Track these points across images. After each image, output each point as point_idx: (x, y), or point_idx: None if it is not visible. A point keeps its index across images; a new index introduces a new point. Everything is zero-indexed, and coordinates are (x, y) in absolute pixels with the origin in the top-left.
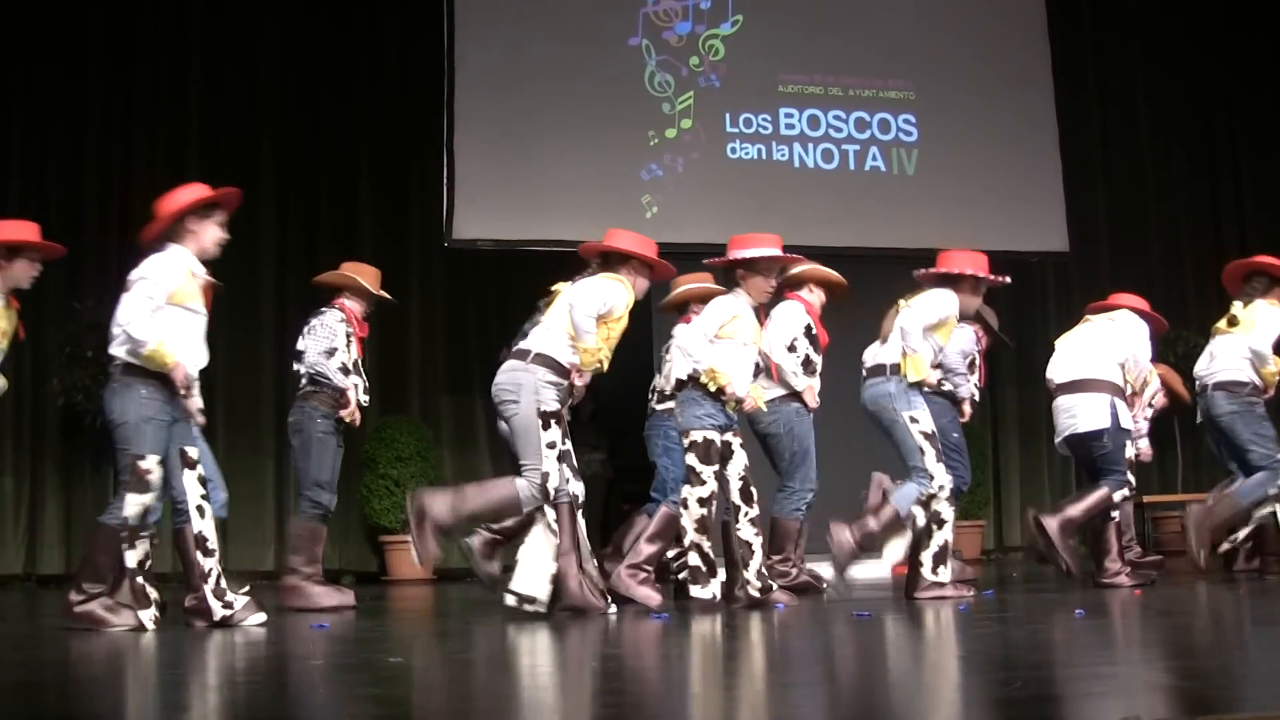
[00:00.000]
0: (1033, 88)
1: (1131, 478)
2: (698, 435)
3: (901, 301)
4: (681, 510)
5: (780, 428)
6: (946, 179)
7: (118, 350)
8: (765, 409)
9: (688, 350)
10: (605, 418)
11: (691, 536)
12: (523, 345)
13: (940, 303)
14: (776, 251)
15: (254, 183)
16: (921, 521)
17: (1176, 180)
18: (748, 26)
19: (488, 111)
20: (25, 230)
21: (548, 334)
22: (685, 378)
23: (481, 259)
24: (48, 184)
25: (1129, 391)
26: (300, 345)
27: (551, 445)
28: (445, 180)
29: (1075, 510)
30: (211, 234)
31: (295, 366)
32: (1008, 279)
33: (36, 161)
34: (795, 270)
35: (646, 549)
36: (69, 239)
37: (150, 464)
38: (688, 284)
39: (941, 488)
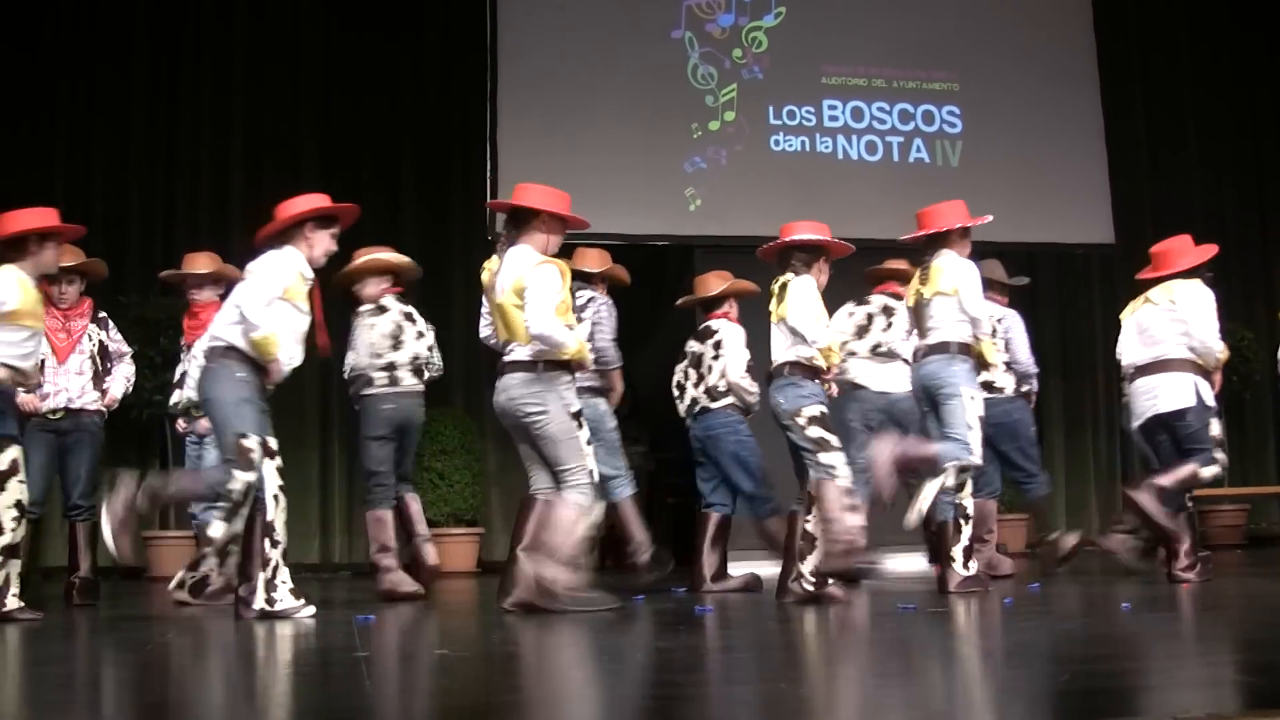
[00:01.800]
0: (1077, 78)
1: (1223, 455)
2: (813, 410)
3: (922, 290)
4: (831, 479)
5: None
6: (991, 171)
7: (227, 331)
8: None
9: (803, 332)
10: (644, 411)
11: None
12: (521, 356)
13: (969, 273)
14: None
15: (296, 178)
16: (950, 516)
17: (1222, 170)
18: (790, 18)
19: (531, 105)
20: (46, 217)
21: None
22: (785, 362)
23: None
24: (93, 180)
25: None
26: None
27: (588, 442)
28: (489, 174)
29: (1166, 480)
30: (324, 244)
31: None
32: (989, 217)
33: (82, 159)
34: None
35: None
36: (114, 235)
37: (253, 443)
38: (721, 280)
39: (976, 470)
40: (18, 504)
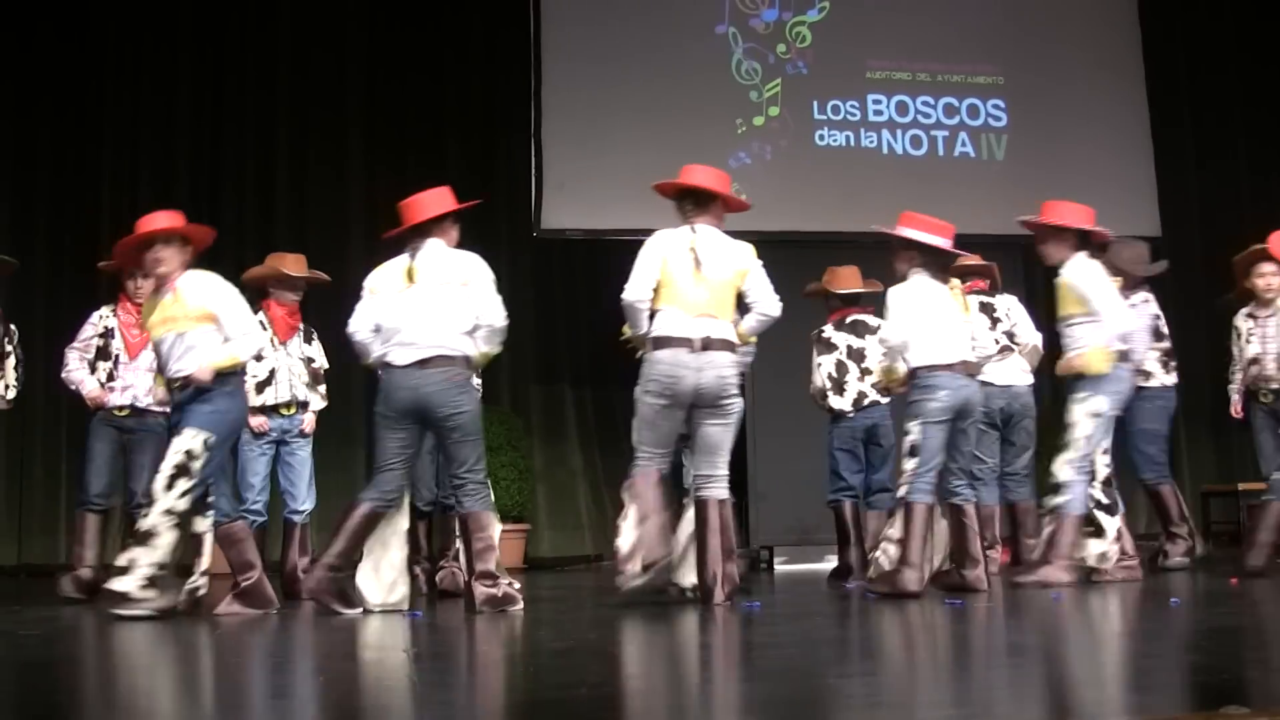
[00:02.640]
0: (1123, 70)
1: None
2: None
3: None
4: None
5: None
6: (1036, 164)
7: (460, 342)
8: None
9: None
10: None
11: None
12: (733, 336)
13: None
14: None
15: (340, 176)
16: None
17: (1270, 161)
18: (834, 13)
19: (575, 101)
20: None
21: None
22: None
23: (570, 248)
24: (139, 175)
25: None
26: None
27: None
28: (533, 170)
29: None
30: (454, 239)
31: None
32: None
33: (129, 155)
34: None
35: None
36: None
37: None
38: (857, 274)
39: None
40: None
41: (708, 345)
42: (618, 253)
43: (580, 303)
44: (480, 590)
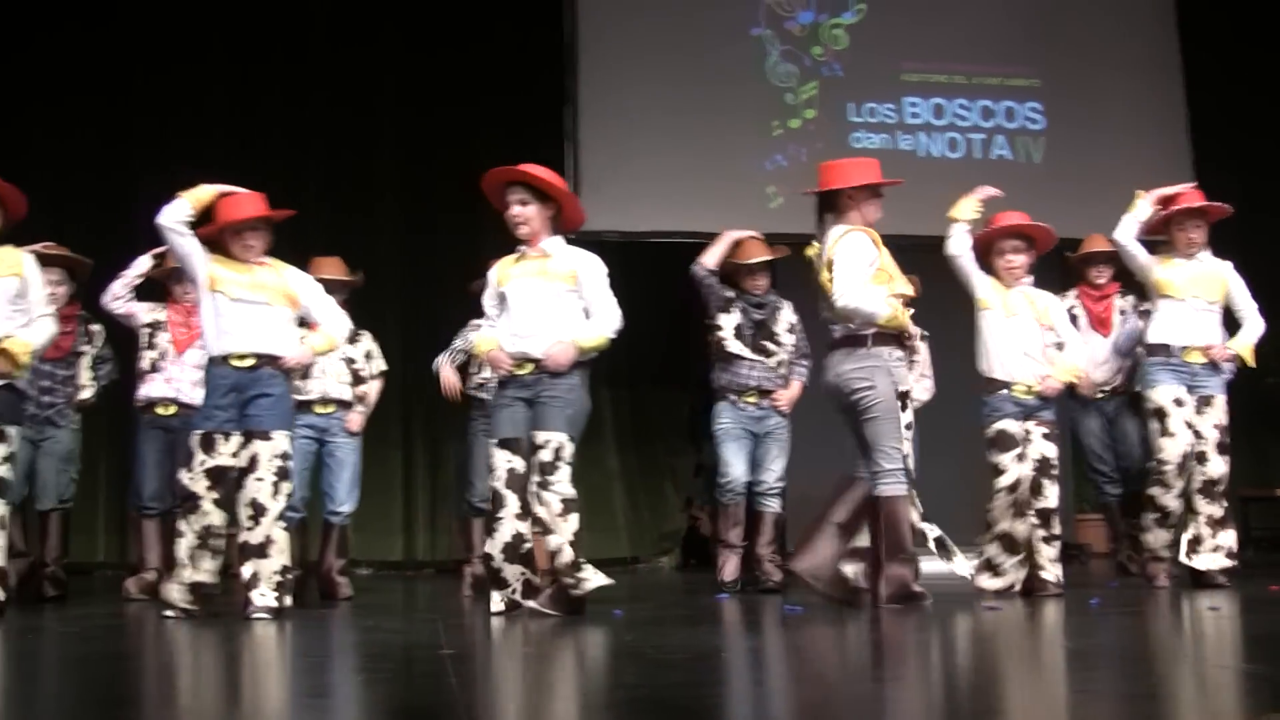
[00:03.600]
0: (1161, 72)
1: None
2: None
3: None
4: None
5: None
6: (1074, 166)
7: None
8: None
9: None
10: None
11: None
12: (846, 332)
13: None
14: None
15: (370, 182)
16: None
17: None
18: (870, 15)
19: (611, 104)
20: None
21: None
22: None
23: (605, 250)
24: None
25: None
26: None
27: (909, 426)
28: (569, 172)
29: None
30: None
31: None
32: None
33: (159, 156)
34: None
35: None
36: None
37: None
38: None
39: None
40: None
41: (829, 348)
42: (653, 255)
43: (617, 303)
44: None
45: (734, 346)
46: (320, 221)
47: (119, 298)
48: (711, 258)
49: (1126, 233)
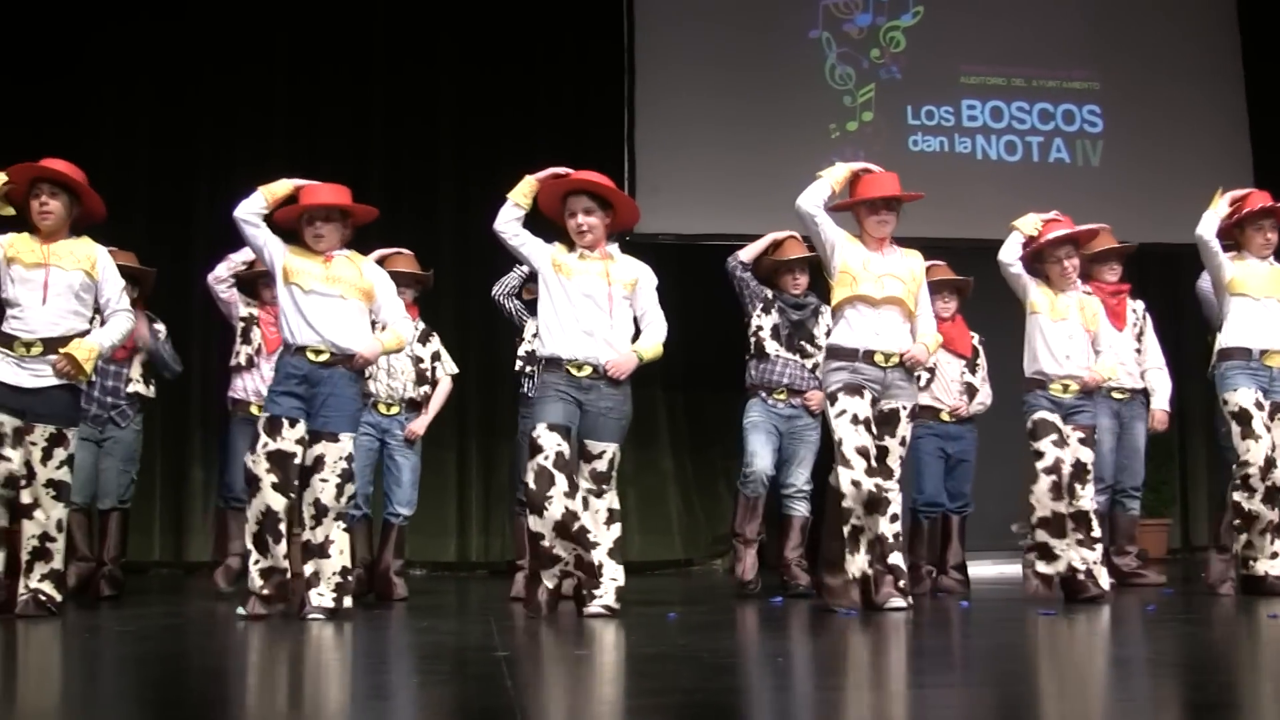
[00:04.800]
0: (1221, 75)
1: None
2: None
3: None
4: None
5: None
6: (1133, 170)
7: None
8: None
9: None
10: None
11: None
12: None
13: None
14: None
15: (433, 189)
16: None
17: None
18: (928, 17)
19: (668, 106)
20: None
21: None
22: None
23: (663, 252)
24: (235, 180)
25: None
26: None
27: (903, 441)
28: (626, 175)
29: None
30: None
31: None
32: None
33: (225, 155)
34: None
35: None
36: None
37: None
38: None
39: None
40: None
41: None
42: (710, 257)
43: (672, 307)
44: None
45: (771, 346)
46: (379, 225)
47: (222, 280)
48: (748, 252)
49: (1209, 229)
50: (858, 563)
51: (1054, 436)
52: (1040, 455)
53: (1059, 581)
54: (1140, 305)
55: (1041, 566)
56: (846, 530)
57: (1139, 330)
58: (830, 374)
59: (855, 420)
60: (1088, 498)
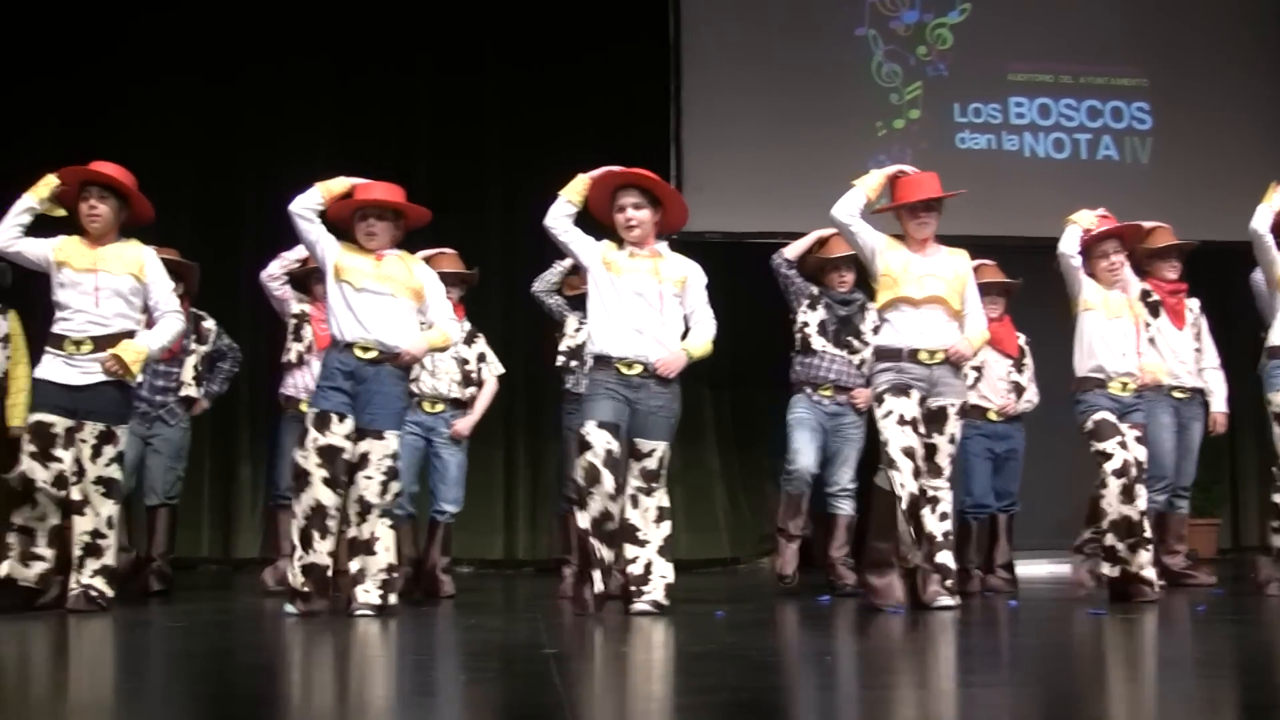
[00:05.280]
0: (1271, 70)
1: None
2: None
3: None
4: None
5: None
6: (1182, 167)
7: None
8: None
9: None
10: None
11: None
12: None
13: None
14: None
15: (479, 188)
16: None
17: None
18: (975, 14)
19: (714, 104)
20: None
21: None
22: None
23: (709, 250)
24: (281, 179)
25: None
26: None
27: (952, 439)
28: (673, 173)
29: None
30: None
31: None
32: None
33: (271, 153)
34: None
35: None
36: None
37: None
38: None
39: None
40: None
41: None
42: (756, 255)
43: (719, 304)
44: None
45: (817, 342)
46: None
47: (275, 278)
48: (792, 250)
49: (1263, 223)
50: (915, 557)
51: (1119, 438)
52: (1108, 457)
53: (1109, 582)
54: (1197, 304)
55: (1107, 569)
56: (900, 534)
57: (1197, 329)
58: (877, 375)
59: (901, 421)
60: (1143, 498)
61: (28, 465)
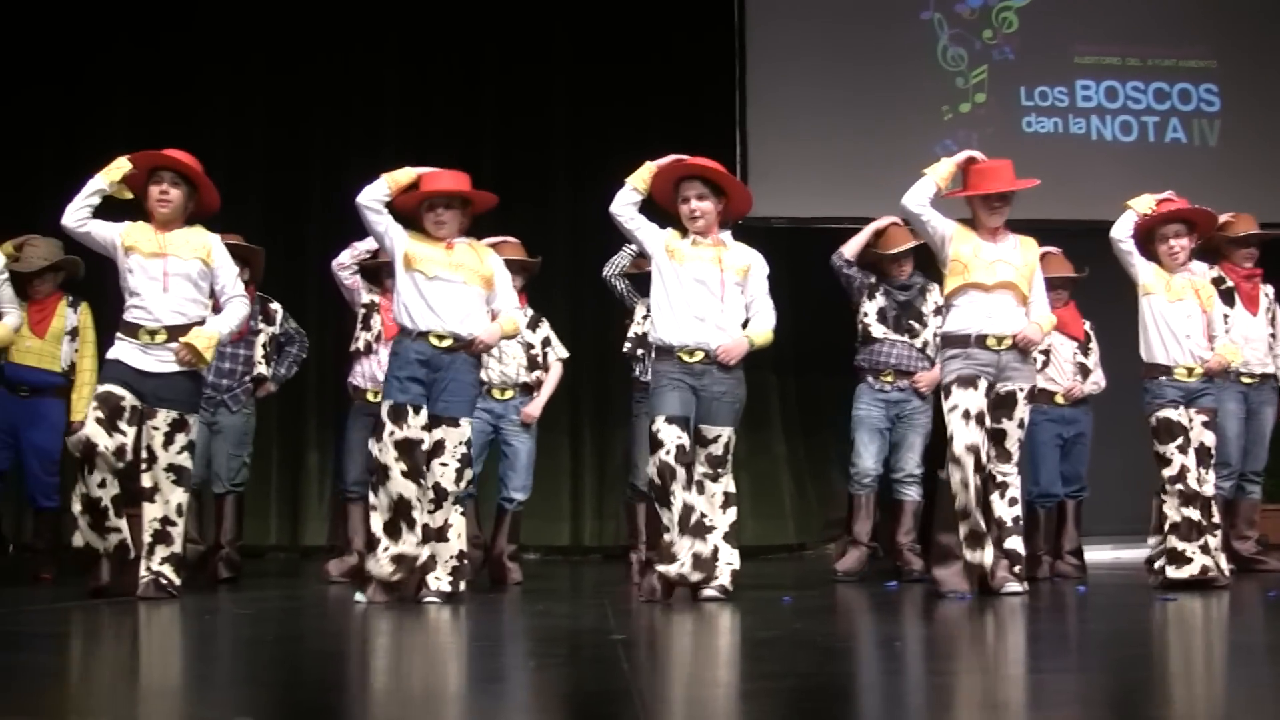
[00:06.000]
0: None
1: None
2: None
3: None
4: None
5: None
6: (1251, 150)
7: None
8: None
9: None
10: None
11: None
12: None
13: None
14: None
15: (544, 177)
16: None
17: None
18: None
19: (779, 91)
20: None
21: None
22: None
23: (774, 236)
24: (348, 169)
25: None
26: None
27: (1021, 424)
28: (738, 160)
29: None
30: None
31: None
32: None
33: (338, 143)
34: None
35: None
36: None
37: None
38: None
39: None
40: None
41: None
42: (821, 241)
43: (784, 290)
44: None
45: (877, 330)
46: (492, 211)
47: (345, 267)
48: (850, 248)
49: None
50: (978, 556)
51: (1179, 441)
52: (1167, 462)
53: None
54: (1271, 290)
55: (1172, 571)
56: (964, 531)
57: (1271, 315)
58: (946, 363)
59: (967, 416)
60: (1209, 483)
61: (92, 429)
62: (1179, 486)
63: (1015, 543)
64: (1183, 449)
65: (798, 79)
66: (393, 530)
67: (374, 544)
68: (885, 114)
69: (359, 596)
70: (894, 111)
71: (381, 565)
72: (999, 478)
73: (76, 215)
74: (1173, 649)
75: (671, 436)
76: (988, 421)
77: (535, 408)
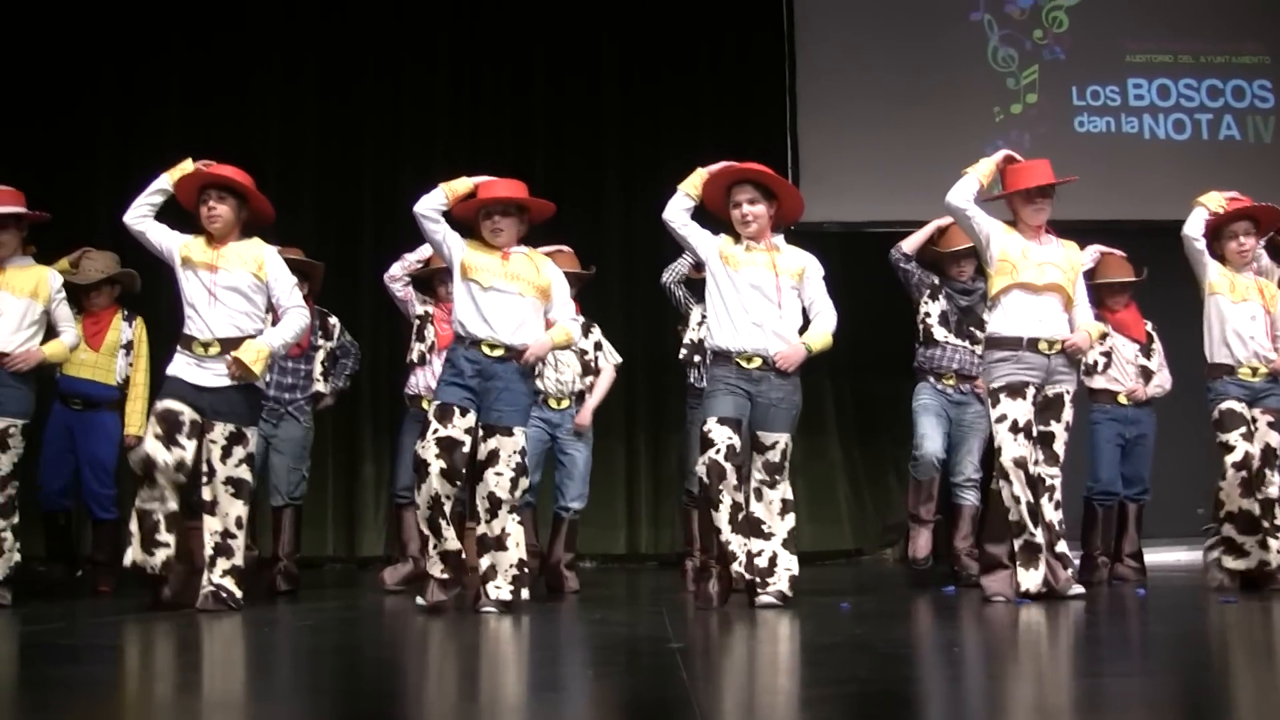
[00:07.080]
0: None
1: None
2: None
3: None
4: None
5: None
6: None
7: None
8: None
9: None
10: None
11: None
12: None
13: None
14: None
15: (596, 184)
16: None
17: None
18: None
19: (830, 94)
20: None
21: None
22: None
23: (827, 241)
24: (400, 179)
25: None
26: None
27: (1068, 426)
28: (790, 164)
29: None
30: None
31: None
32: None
33: (390, 155)
34: None
35: None
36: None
37: None
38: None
39: None
40: None
41: None
42: (874, 245)
43: (838, 295)
44: None
45: (939, 333)
46: (544, 222)
47: (396, 279)
48: (910, 243)
49: None
50: (1032, 578)
51: (1243, 429)
52: (1230, 449)
53: (1238, 574)
54: None
55: (1229, 562)
56: (1018, 544)
57: None
58: (992, 366)
59: (1015, 429)
60: (1275, 485)
61: (151, 446)
62: (1243, 474)
63: (1064, 546)
64: (1246, 437)
65: (847, 82)
66: (434, 528)
67: (425, 544)
68: (936, 116)
69: (419, 600)
70: (945, 113)
71: (432, 563)
72: (1047, 480)
73: (137, 213)
74: (1235, 652)
75: (723, 436)
76: (1034, 431)
77: (586, 414)
